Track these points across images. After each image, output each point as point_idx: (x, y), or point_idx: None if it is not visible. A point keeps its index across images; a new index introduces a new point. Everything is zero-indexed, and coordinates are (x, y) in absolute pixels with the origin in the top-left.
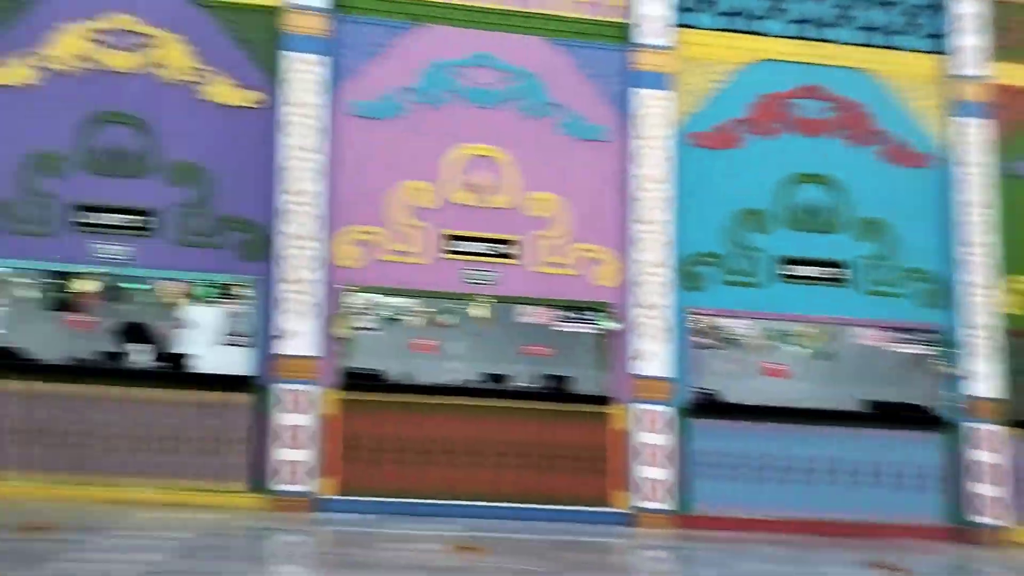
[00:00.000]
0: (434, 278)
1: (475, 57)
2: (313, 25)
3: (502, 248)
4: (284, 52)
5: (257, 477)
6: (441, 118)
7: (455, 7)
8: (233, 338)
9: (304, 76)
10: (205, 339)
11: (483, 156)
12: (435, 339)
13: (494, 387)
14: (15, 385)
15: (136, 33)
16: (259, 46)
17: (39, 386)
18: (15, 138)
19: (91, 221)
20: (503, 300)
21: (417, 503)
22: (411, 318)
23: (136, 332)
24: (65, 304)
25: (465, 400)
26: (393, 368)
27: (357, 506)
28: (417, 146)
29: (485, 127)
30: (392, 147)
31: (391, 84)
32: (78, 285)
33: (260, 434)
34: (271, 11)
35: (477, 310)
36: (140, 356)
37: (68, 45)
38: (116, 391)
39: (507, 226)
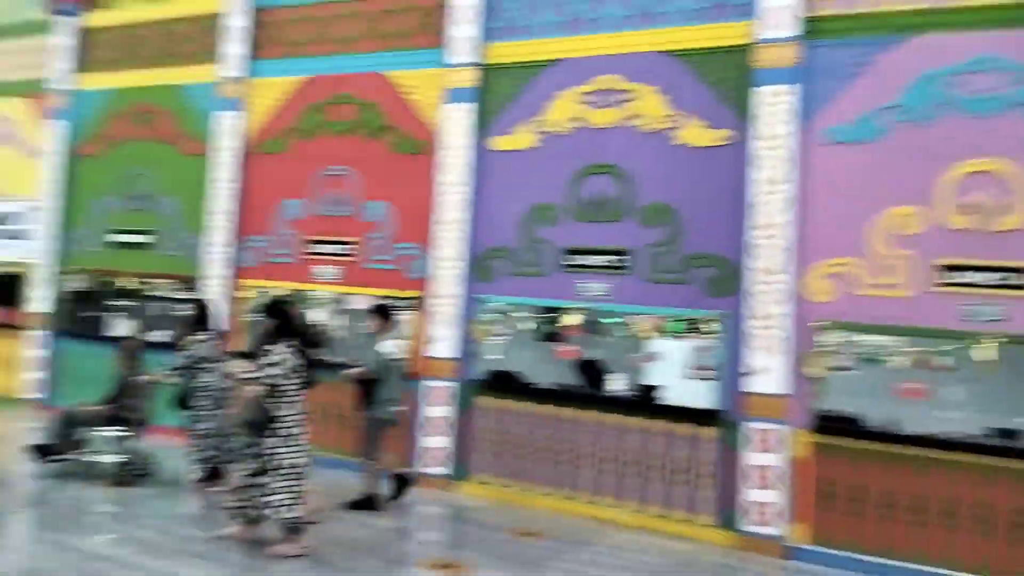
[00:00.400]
0: (923, 313)
1: (974, 61)
2: (783, 56)
3: (1014, 279)
4: (754, 88)
5: (726, 513)
6: (930, 134)
7: (948, 10)
8: (699, 372)
9: (774, 108)
10: (673, 372)
11: (984, 172)
12: (925, 383)
13: (1007, 444)
14: (514, 405)
15: (618, 90)
16: (728, 85)
17: (532, 407)
18: (521, 194)
19: (576, 262)
20: (1017, 341)
21: (906, 567)
22: (895, 358)
23: (594, 368)
24: (553, 335)
25: (968, 457)
26: (873, 413)
27: (833, 559)
28: (900, 168)
29: (988, 139)
30: (870, 172)
31: (869, 105)
32: (565, 319)
33: (728, 470)
34: (741, 49)
35: (982, 352)
36: (616, 385)
37: (562, 109)
38: (595, 416)
39: (1022, 252)
